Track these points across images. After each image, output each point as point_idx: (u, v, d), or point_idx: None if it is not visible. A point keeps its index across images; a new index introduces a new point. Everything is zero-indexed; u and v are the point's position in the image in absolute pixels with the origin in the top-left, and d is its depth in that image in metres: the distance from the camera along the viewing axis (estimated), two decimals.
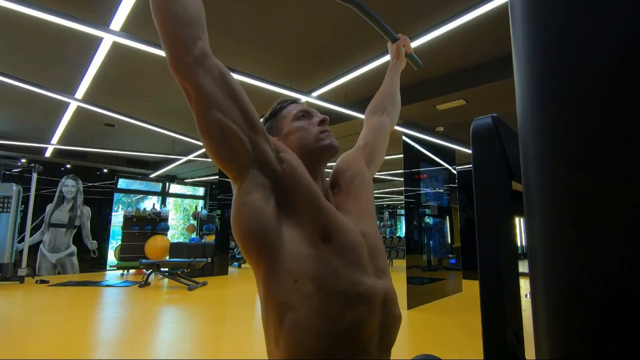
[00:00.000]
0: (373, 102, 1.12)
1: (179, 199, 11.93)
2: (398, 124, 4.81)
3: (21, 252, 6.68)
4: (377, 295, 0.68)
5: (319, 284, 0.63)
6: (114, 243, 9.26)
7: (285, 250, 0.65)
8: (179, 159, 7.49)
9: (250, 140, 0.67)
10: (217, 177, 9.21)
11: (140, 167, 8.85)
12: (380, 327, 0.68)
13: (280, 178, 0.69)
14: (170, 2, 0.65)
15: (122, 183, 9.78)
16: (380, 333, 0.68)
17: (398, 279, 5.81)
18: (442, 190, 6.01)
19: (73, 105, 4.74)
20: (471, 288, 6.03)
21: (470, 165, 0.43)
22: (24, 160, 7.34)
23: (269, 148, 0.70)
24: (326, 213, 0.69)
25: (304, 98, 4.24)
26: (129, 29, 2.91)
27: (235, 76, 3.85)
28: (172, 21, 0.65)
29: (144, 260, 6.31)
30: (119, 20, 2.72)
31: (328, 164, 0.85)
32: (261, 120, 0.85)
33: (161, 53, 3.07)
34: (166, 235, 9.11)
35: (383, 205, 15.35)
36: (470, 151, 0.44)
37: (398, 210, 16.00)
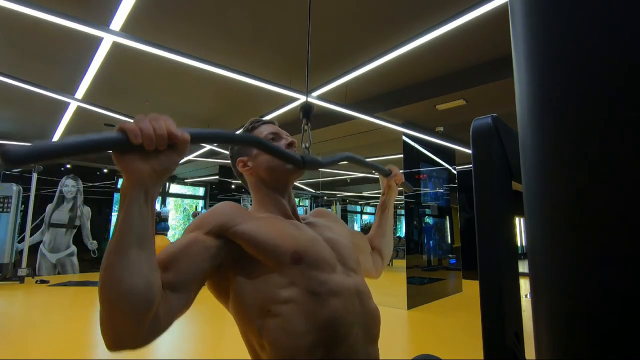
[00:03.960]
0: (368, 238, 1.14)
1: (179, 199, 11.92)
2: (398, 124, 4.81)
3: (21, 252, 6.67)
4: (348, 288, 0.73)
5: (293, 297, 0.68)
6: None
7: (254, 298, 0.69)
8: None
9: (211, 272, 0.69)
10: (217, 177, 9.21)
11: None
12: (361, 319, 0.73)
13: (240, 250, 0.71)
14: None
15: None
16: (361, 326, 0.73)
17: (398, 279, 5.82)
18: (442, 190, 6.01)
19: (73, 105, 4.73)
20: (471, 288, 6.02)
21: (470, 165, 0.42)
22: None
23: (220, 254, 0.69)
24: (293, 241, 0.73)
25: (304, 98, 4.24)
26: (129, 29, 2.91)
27: (235, 76, 3.79)
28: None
29: None
30: (119, 20, 2.72)
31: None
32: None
33: (161, 53, 3.07)
34: (166, 235, 9.10)
35: None
36: (470, 151, 0.44)
37: (398, 210, 16.00)
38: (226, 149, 5.95)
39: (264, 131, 0.88)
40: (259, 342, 0.68)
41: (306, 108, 0.88)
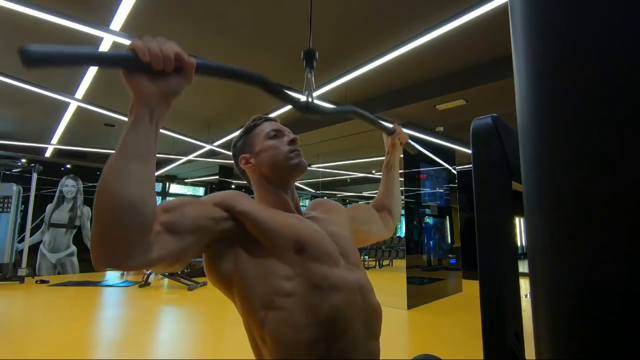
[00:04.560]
0: (375, 200, 1.16)
1: None
2: (398, 124, 4.80)
3: (21, 252, 6.68)
4: (350, 283, 0.73)
5: (295, 290, 0.68)
6: None
7: (259, 285, 0.69)
8: (179, 159, 7.49)
9: (211, 236, 0.68)
10: (217, 177, 9.21)
11: None
12: (362, 314, 0.73)
13: (244, 231, 0.72)
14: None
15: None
16: (363, 321, 0.73)
17: (398, 279, 5.82)
18: (442, 190, 6.01)
19: (73, 105, 4.73)
20: (471, 288, 6.02)
21: (470, 165, 0.42)
22: (24, 160, 7.33)
23: (222, 223, 0.69)
24: (296, 230, 0.74)
25: (303, 98, 4.24)
26: (129, 29, 2.91)
27: None
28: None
29: None
30: (119, 20, 2.72)
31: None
32: (235, 138, 0.92)
33: None
34: None
35: None
36: (470, 151, 0.44)
37: None
38: (226, 149, 5.95)
39: (266, 128, 0.87)
40: (261, 335, 0.68)
41: (309, 53, 0.87)
